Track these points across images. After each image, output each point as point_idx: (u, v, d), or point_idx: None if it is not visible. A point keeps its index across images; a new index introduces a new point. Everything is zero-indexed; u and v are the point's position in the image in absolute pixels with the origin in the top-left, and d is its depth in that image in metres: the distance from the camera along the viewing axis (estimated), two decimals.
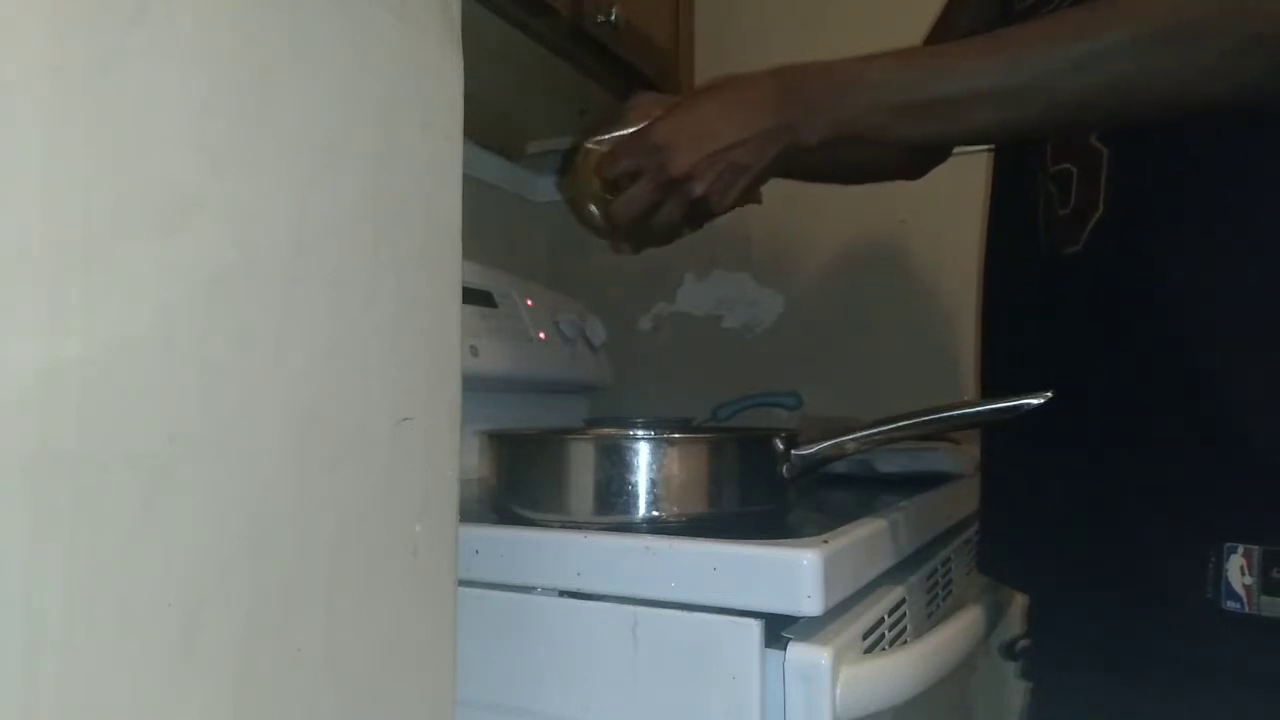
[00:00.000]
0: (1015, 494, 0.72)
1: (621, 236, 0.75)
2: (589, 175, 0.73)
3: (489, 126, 1.33)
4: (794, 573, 0.51)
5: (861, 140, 0.63)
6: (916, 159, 0.96)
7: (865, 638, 0.57)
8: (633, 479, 0.61)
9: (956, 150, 0.95)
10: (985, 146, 0.97)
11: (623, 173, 0.69)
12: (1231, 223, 0.59)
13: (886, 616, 0.61)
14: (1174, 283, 0.60)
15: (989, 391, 0.75)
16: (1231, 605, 0.55)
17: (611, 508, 0.61)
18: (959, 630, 0.65)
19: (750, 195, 0.71)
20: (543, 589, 0.58)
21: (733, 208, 0.70)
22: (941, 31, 0.88)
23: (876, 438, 0.66)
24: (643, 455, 0.61)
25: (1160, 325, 0.60)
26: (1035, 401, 0.60)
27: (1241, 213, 0.59)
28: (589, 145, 0.73)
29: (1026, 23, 0.63)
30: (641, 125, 0.69)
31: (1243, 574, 0.55)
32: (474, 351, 0.99)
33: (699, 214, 0.71)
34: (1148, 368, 0.60)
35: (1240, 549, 0.55)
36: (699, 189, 0.66)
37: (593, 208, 0.74)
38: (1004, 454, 0.74)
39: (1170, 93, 0.56)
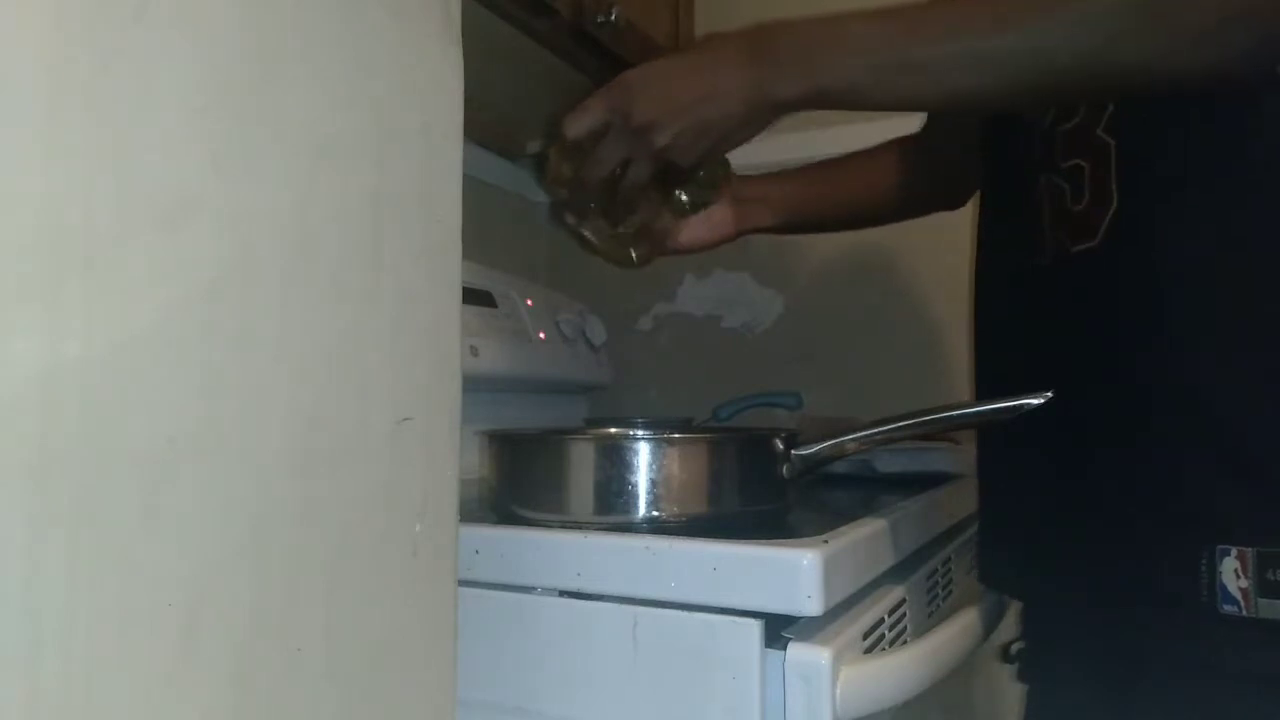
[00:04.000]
0: (1010, 499, 0.72)
1: (605, 236, 0.74)
2: (559, 162, 0.72)
3: (489, 126, 1.33)
4: (794, 573, 0.51)
5: (839, 104, 0.62)
6: (952, 187, 0.95)
7: (865, 638, 0.57)
8: (633, 479, 0.61)
9: None
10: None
11: (589, 130, 0.68)
12: (1242, 212, 0.58)
13: (886, 616, 0.61)
14: (1185, 276, 0.58)
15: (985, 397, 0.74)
16: (1229, 609, 0.55)
17: (611, 508, 0.61)
18: (959, 630, 0.65)
19: (717, 158, 0.69)
20: (543, 589, 0.58)
21: (699, 168, 0.69)
22: None
23: (876, 438, 0.66)
24: (643, 455, 0.61)
25: (1165, 320, 0.59)
26: (1036, 401, 0.60)
27: (1250, 200, 0.58)
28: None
29: None
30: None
31: (1238, 577, 0.55)
32: (474, 351, 0.99)
33: (673, 177, 0.69)
34: (1145, 365, 0.60)
35: (1233, 551, 0.55)
36: (662, 139, 0.64)
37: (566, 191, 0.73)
38: (999, 459, 0.74)
39: (1156, 61, 0.55)
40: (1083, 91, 0.61)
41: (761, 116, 0.64)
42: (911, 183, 0.94)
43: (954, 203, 0.98)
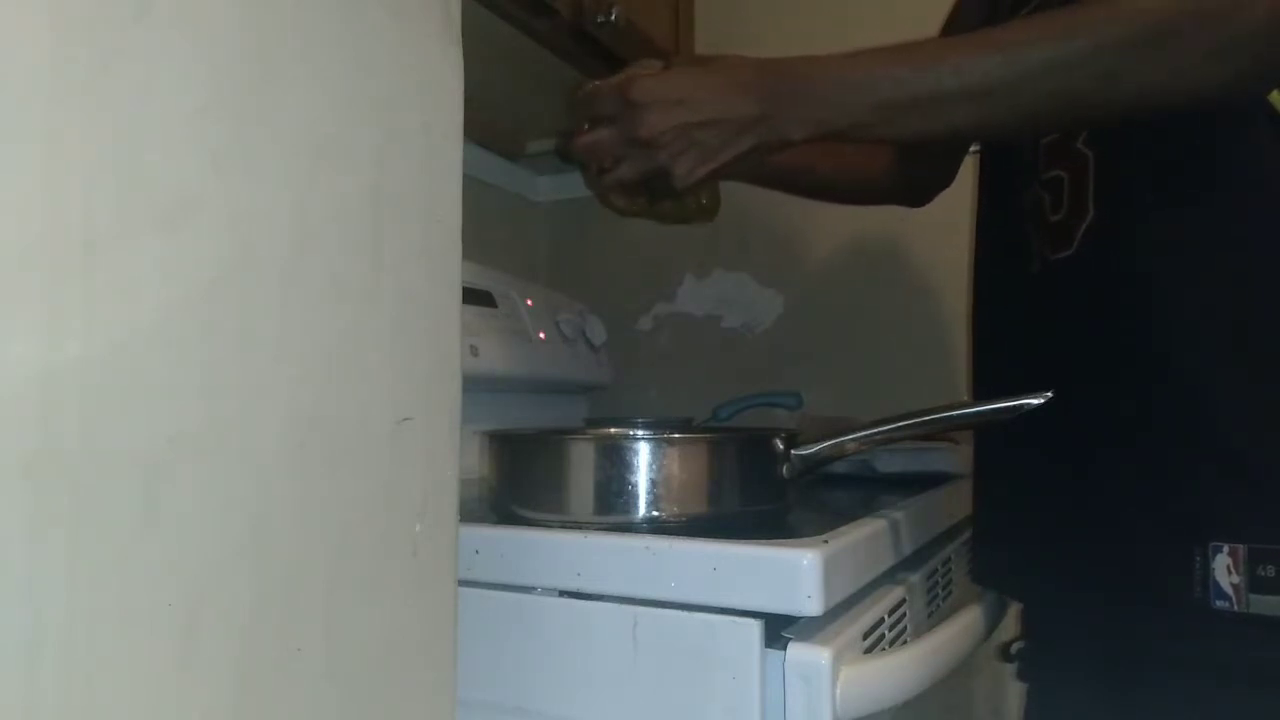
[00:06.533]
0: (1006, 499, 0.72)
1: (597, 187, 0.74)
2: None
3: (489, 126, 1.33)
4: (794, 573, 0.51)
5: (844, 138, 0.63)
6: (919, 185, 0.96)
7: (865, 638, 0.57)
8: (633, 479, 0.61)
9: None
10: (975, 148, 0.97)
11: (595, 117, 0.68)
12: (1215, 223, 0.59)
13: (886, 616, 0.61)
14: (1160, 283, 0.60)
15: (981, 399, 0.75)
16: (1221, 604, 0.55)
17: (611, 508, 0.61)
18: (959, 630, 0.65)
19: (713, 182, 0.69)
20: (543, 589, 0.58)
21: (694, 192, 0.70)
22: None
23: (876, 438, 0.66)
24: (643, 455, 0.61)
25: (1147, 325, 0.60)
26: (1035, 401, 0.60)
27: (1224, 212, 0.59)
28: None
29: (1010, 22, 0.63)
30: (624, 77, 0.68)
31: (1230, 573, 0.55)
32: (474, 351, 0.99)
33: (659, 186, 0.68)
34: (1132, 368, 0.61)
35: (1225, 548, 0.55)
36: (661, 157, 0.64)
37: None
38: (995, 459, 0.74)
39: (1149, 91, 0.57)
40: (1088, 120, 0.63)
41: (766, 151, 0.65)
42: (904, 167, 0.94)
43: (921, 199, 0.99)
